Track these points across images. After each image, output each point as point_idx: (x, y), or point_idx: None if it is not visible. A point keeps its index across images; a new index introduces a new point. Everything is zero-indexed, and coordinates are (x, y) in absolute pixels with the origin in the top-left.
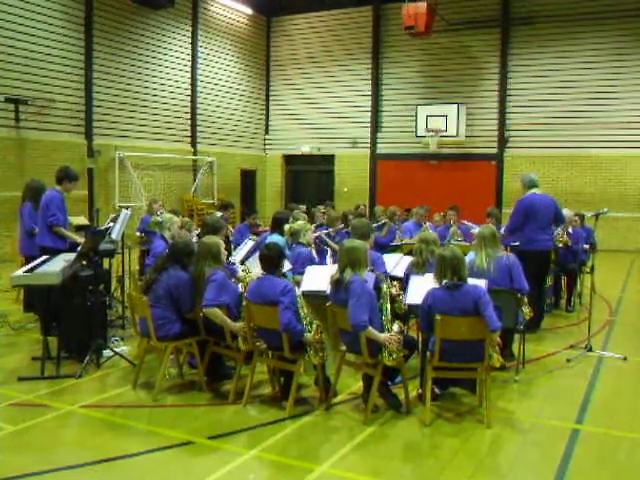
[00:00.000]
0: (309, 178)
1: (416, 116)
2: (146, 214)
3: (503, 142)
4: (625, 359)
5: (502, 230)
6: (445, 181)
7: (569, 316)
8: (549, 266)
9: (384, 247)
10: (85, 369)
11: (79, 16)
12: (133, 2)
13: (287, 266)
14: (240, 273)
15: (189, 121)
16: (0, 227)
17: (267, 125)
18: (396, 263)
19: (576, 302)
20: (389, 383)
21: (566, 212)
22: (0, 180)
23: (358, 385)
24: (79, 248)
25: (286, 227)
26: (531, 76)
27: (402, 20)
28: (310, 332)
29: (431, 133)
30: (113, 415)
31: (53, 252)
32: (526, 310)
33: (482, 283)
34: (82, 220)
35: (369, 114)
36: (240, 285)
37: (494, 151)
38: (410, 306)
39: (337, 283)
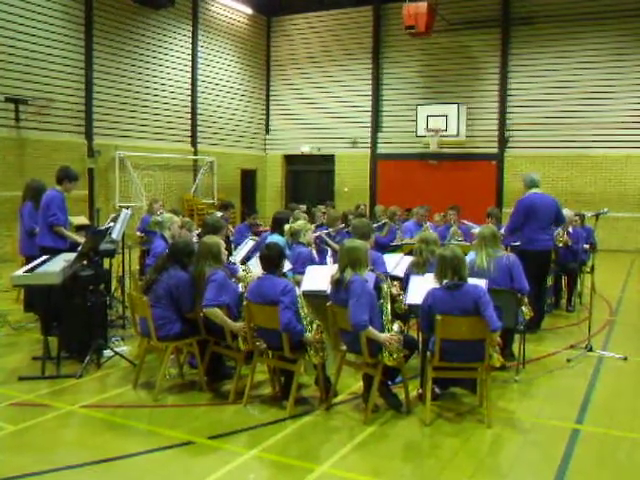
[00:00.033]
0: (309, 178)
1: (416, 116)
2: (146, 214)
3: (503, 142)
4: (625, 359)
5: (502, 230)
6: (445, 181)
7: (569, 316)
8: (549, 266)
9: (384, 247)
10: (85, 369)
11: (79, 16)
12: (134, 2)
13: (287, 266)
14: (241, 273)
15: (189, 121)
16: (0, 227)
17: (267, 125)
18: (396, 263)
19: (576, 302)
20: (389, 383)
21: (566, 212)
22: (0, 180)
23: (358, 385)
24: (79, 248)
25: (286, 227)
26: (531, 76)
27: (402, 20)
28: (310, 332)
29: (431, 133)
30: (113, 415)
31: (53, 252)
32: (526, 310)
33: (482, 283)
34: (82, 220)
35: (369, 114)
36: (241, 285)
37: (494, 151)
38: (410, 306)
39: (337, 283)
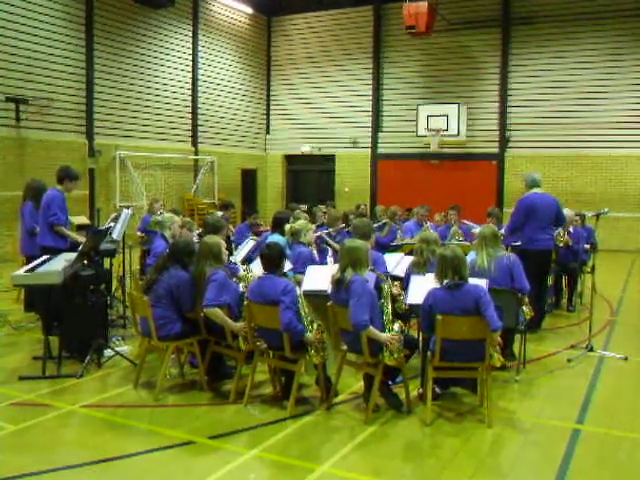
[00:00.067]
0: (310, 178)
1: (417, 116)
2: (147, 214)
3: (504, 142)
4: (626, 359)
5: (503, 230)
6: (446, 181)
7: (570, 316)
8: (550, 266)
9: (385, 247)
10: (86, 369)
11: (80, 16)
12: (134, 2)
13: (288, 266)
14: (241, 272)
15: (190, 121)
16: (1, 227)
17: (268, 125)
18: (397, 263)
19: (577, 302)
20: (390, 383)
21: (567, 212)
22: (1, 180)
23: (359, 385)
24: (80, 248)
25: (287, 227)
26: (532, 76)
27: (402, 20)
28: (311, 332)
29: (432, 133)
30: (114, 415)
31: (54, 252)
32: (527, 310)
33: (483, 283)
34: (83, 220)
35: (370, 114)
36: (241, 284)
37: (495, 151)
38: (411, 306)
39: (338, 283)
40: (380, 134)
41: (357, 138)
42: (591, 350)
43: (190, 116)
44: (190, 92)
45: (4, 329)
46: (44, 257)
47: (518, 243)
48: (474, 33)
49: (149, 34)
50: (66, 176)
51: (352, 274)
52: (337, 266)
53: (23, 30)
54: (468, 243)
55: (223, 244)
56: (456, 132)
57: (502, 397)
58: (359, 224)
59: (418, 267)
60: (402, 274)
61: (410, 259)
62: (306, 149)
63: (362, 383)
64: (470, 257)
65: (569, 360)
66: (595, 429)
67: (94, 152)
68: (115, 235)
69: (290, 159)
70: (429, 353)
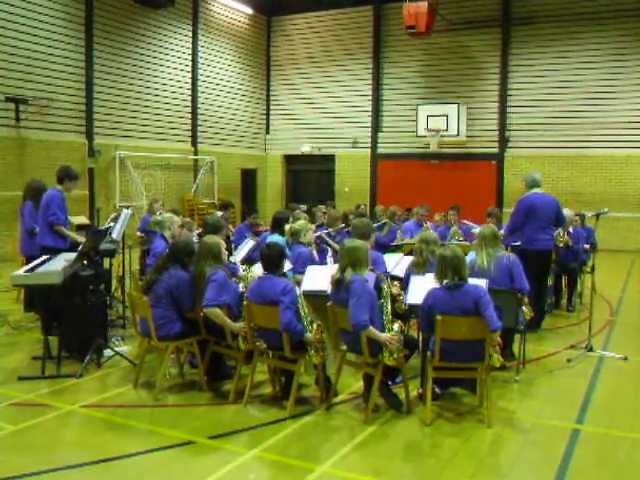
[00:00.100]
0: (310, 178)
1: (417, 116)
2: (147, 214)
3: (504, 142)
4: (626, 359)
5: (503, 230)
6: (446, 181)
7: (570, 316)
8: (550, 266)
9: (385, 247)
10: (86, 369)
11: (80, 16)
12: (134, 2)
13: (288, 266)
14: (241, 272)
15: (190, 121)
16: (1, 227)
17: (268, 125)
18: (397, 263)
19: (577, 302)
20: (390, 383)
21: (567, 212)
22: (0, 180)
23: (359, 385)
24: (80, 248)
25: (287, 227)
26: (531, 76)
27: (402, 20)
28: (311, 332)
29: (432, 133)
30: (114, 415)
31: (54, 251)
32: (526, 310)
33: (483, 283)
34: (83, 220)
35: (369, 114)
36: (241, 284)
37: (495, 151)
38: (411, 306)
39: (338, 283)
40: (380, 134)
41: (357, 138)
42: (591, 350)
43: (190, 116)
44: (190, 92)
45: (4, 329)
46: (44, 257)
47: (518, 243)
48: (474, 33)
49: (149, 34)
50: (66, 176)
51: (352, 274)
52: (337, 266)
53: (23, 30)
54: (468, 243)
55: (223, 244)
56: (456, 132)
57: (502, 397)
58: (359, 224)
59: (418, 267)
60: (402, 274)
61: (410, 259)
62: (306, 149)
63: (362, 383)
64: (470, 257)
65: (569, 360)
66: (595, 429)
67: (94, 152)
68: (115, 235)
69: (290, 159)
70: (429, 353)
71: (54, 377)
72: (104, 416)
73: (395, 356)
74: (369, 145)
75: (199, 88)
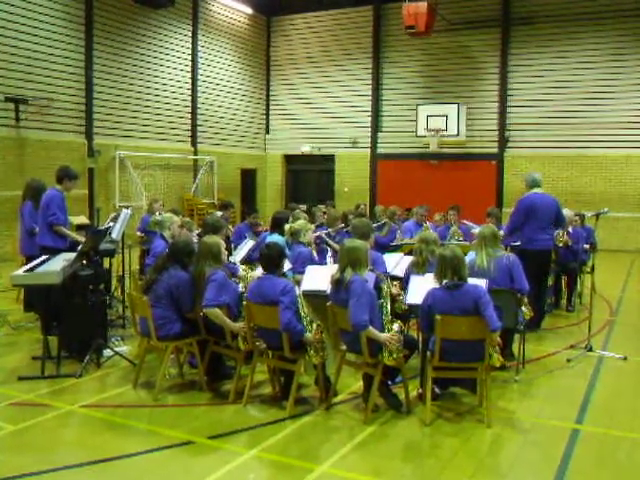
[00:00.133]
0: (309, 178)
1: (416, 116)
2: (146, 214)
3: (503, 142)
4: (625, 359)
5: (502, 230)
6: (445, 181)
7: (569, 316)
8: (549, 266)
9: (384, 247)
10: (85, 369)
11: (80, 16)
12: (134, 2)
13: (287, 266)
14: (241, 272)
15: (189, 121)
16: (0, 226)
17: (267, 125)
18: (396, 263)
19: (576, 302)
20: (389, 383)
21: (566, 212)
22: (0, 180)
23: (358, 385)
24: (79, 247)
25: (286, 227)
26: (531, 76)
27: (402, 20)
28: (310, 332)
29: (431, 133)
30: (113, 415)
31: (53, 251)
32: (526, 310)
33: (482, 283)
34: (82, 219)
35: (369, 114)
36: (241, 284)
37: (494, 151)
38: (410, 306)
39: (337, 283)
40: (380, 134)
41: (357, 138)
42: (590, 350)
43: (190, 116)
44: (190, 92)
45: (3, 329)
46: (43, 257)
47: (518, 243)
48: (474, 33)
49: (149, 34)
50: (65, 176)
51: (351, 274)
52: (336, 266)
53: (23, 30)
54: (468, 243)
55: (222, 244)
56: (456, 132)
57: (501, 397)
58: (358, 224)
59: (417, 267)
60: (401, 274)
61: (409, 259)
62: (306, 149)
63: (361, 383)
64: (469, 257)
65: (568, 360)
66: (594, 429)
67: (93, 152)
68: (114, 235)
69: (290, 159)
70: (428, 353)
71: (54, 377)
72: (104, 416)
73: (395, 356)
74: (369, 145)
75: (199, 88)
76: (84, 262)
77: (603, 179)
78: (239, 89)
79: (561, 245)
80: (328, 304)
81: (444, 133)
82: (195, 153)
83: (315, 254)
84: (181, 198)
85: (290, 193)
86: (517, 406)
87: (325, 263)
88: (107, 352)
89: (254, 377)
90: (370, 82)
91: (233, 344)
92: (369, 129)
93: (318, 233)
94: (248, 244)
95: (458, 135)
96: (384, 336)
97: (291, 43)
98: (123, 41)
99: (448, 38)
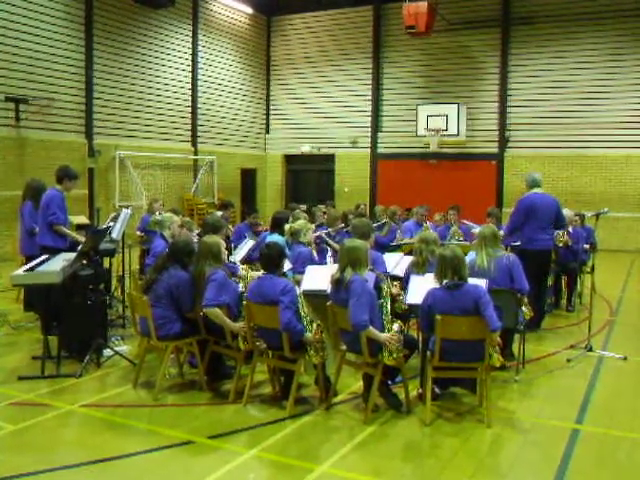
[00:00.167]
0: (309, 178)
1: (416, 116)
2: (146, 213)
3: (503, 142)
4: (625, 359)
5: (502, 230)
6: (445, 181)
7: (569, 316)
8: (549, 266)
9: (384, 247)
10: (85, 368)
11: (80, 16)
12: (134, 2)
13: (287, 265)
14: (241, 272)
15: (190, 120)
16: (0, 226)
17: (267, 125)
18: (396, 263)
19: (576, 302)
20: (389, 383)
21: (566, 212)
22: (0, 179)
23: (358, 385)
24: (79, 247)
25: (286, 227)
26: (531, 76)
27: (402, 20)
28: (310, 332)
29: (431, 133)
30: (113, 414)
31: (53, 251)
32: (526, 310)
33: (482, 283)
34: (82, 219)
35: (369, 113)
36: (241, 284)
37: (494, 151)
38: (410, 306)
39: (338, 283)
40: (380, 134)
41: (356, 138)
42: (590, 350)
43: (190, 116)
44: (190, 92)
45: (3, 329)
46: (43, 257)
47: (518, 243)
48: (474, 33)
49: (149, 34)
50: (65, 175)
51: (351, 274)
52: (336, 266)
53: (24, 30)
54: (468, 243)
55: (222, 244)
56: (456, 132)
57: (501, 397)
58: (358, 224)
59: (417, 267)
60: (401, 274)
61: (409, 259)
62: (306, 149)
63: (361, 383)
64: (470, 257)
65: (568, 360)
66: (594, 429)
67: (94, 152)
68: (114, 235)
69: (290, 159)
70: (428, 353)
71: (54, 377)
72: (103, 416)
73: (395, 356)
74: (369, 145)
75: (199, 88)
76: (84, 262)
77: (603, 179)
78: (239, 89)
79: (561, 245)
80: (328, 304)
81: (444, 133)
82: (195, 153)
83: (315, 254)
84: (181, 198)
85: (290, 193)
86: (517, 406)
87: (325, 263)
88: (107, 352)
89: (254, 377)
90: (370, 82)
91: (233, 344)
92: (369, 129)
93: (318, 233)
94: (248, 244)
95: (458, 135)
96: (384, 336)
97: (291, 43)
98: (123, 41)
99: (448, 38)
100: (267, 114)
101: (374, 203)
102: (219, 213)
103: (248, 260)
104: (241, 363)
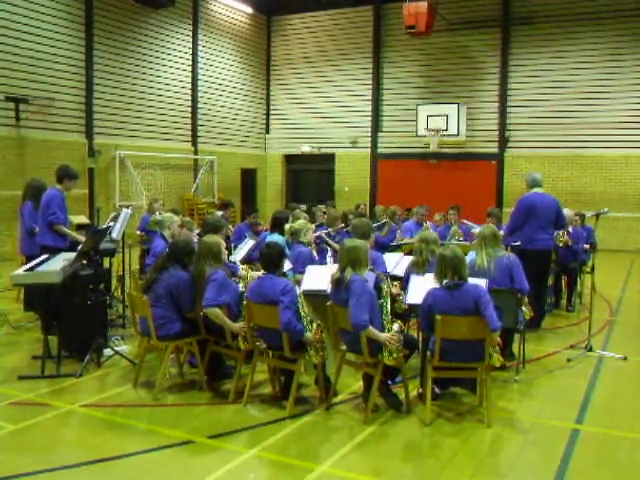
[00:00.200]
0: (309, 177)
1: (416, 116)
2: (146, 213)
3: (503, 142)
4: (625, 359)
5: (503, 230)
6: (446, 181)
7: (569, 316)
8: (549, 265)
9: (384, 247)
10: (85, 368)
11: (80, 15)
12: (135, 2)
13: (287, 265)
14: (241, 272)
15: (190, 120)
16: (1, 226)
17: (268, 124)
18: (396, 263)
19: (576, 302)
20: (389, 382)
21: (566, 212)
22: (0, 179)
23: (358, 385)
24: (80, 247)
25: (287, 226)
26: (531, 76)
27: (402, 20)
28: (310, 331)
29: (431, 133)
30: (113, 414)
31: (54, 251)
32: (526, 310)
33: (482, 283)
34: (83, 219)
35: (369, 113)
36: (241, 284)
37: (495, 151)
38: (410, 306)
39: (338, 282)
40: (380, 134)
41: (356, 138)
42: (590, 350)
43: (190, 115)
44: (190, 92)
45: (3, 328)
46: (43, 256)
47: (518, 243)
48: (474, 33)
49: (149, 34)
50: (65, 175)
51: (351, 274)
52: (336, 266)
53: (25, 30)
54: (468, 243)
55: (223, 244)
56: (456, 132)
57: (501, 397)
58: (358, 224)
59: (417, 267)
60: (401, 274)
61: (410, 259)
62: (306, 149)
63: (361, 383)
64: (470, 257)
65: (568, 360)
66: (594, 429)
67: (94, 152)
68: (114, 234)
69: (290, 159)
70: (428, 353)
71: (54, 376)
72: (103, 416)
73: (395, 356)
74: (369, 145)
75: (199, 88)
76: (84, 262)
77: (603, 179)
78: (240, 89)
79: (561, 245)
80: (328, 304)
81: (444, 133)
82: (195, 153)
83: (315, 254)
84: (181, 198)
85: (290, 193)
86: (517, 406)
87: (325, 263)
88: (107, 351)
89: (254, 377)
90: (370, 82)
91: (233, 344)
92: (369, 129)
93: (318, 233)
94: (248, 244)
95: (458, 135)
96: (384, 336)
97: (291, 43)
98: (124, 41)
99: (448, 38)
100: (267, 114)
101: (374, 203)
102: (219, 213)
103: (248, 260)
104: (241, 363)
